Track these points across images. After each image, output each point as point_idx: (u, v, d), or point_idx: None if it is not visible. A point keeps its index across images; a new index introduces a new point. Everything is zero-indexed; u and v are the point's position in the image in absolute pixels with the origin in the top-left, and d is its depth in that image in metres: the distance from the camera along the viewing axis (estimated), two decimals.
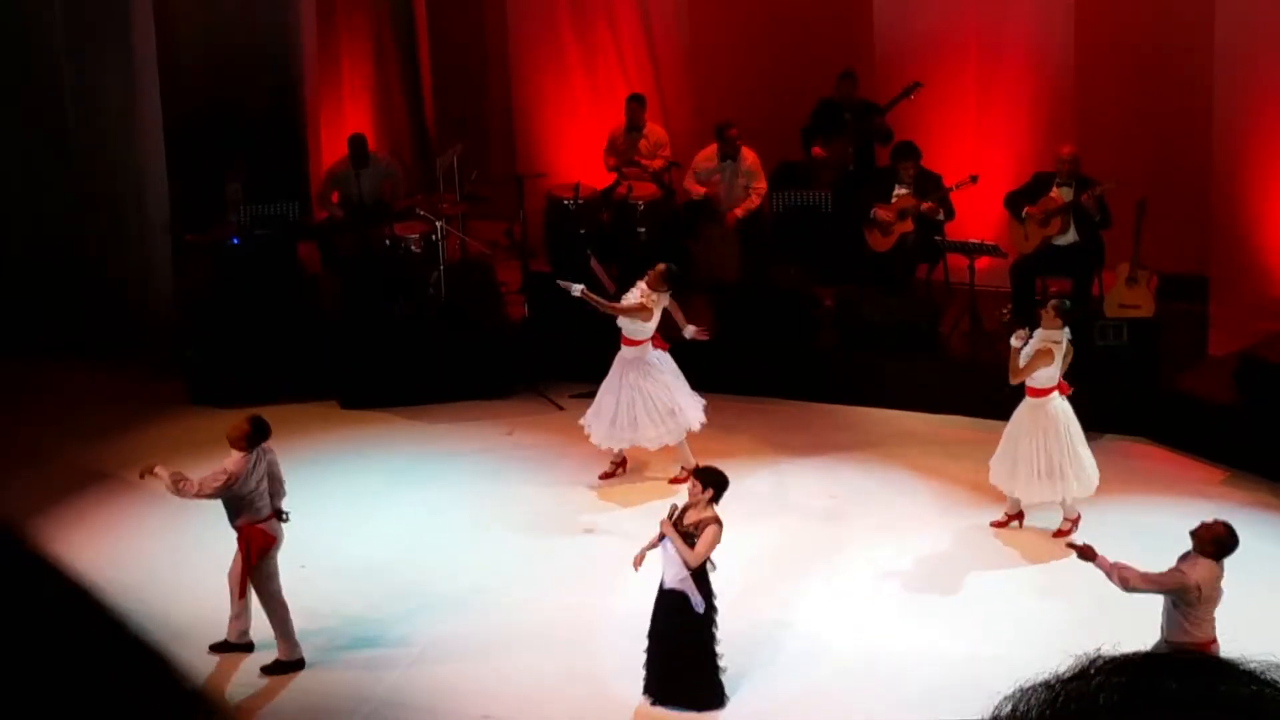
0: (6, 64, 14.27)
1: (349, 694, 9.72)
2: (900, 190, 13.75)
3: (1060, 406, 10.96)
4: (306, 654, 9.91)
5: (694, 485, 9.19)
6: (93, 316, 14.30)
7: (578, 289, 11.74)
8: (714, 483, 9.20)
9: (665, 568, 9.12)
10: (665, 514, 9.20)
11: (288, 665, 9.84)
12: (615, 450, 12.08)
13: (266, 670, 9.82)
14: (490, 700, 9.58)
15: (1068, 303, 11.19)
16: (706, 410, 11.96)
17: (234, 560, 9.84)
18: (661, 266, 11.81)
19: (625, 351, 11.87)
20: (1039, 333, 10.88)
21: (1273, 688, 1.48)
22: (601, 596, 10.33)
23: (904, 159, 13.72)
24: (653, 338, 11.87)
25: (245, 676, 9.87)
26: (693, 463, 11.84)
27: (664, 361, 11.93)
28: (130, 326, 14.28)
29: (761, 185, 14.50)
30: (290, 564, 10.01)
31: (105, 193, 14.37)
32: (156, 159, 14.28)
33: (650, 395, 11.76)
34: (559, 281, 12.09)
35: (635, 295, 11.77)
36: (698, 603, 9.06)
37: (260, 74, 15.19)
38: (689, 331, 12.06)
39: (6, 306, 14.39)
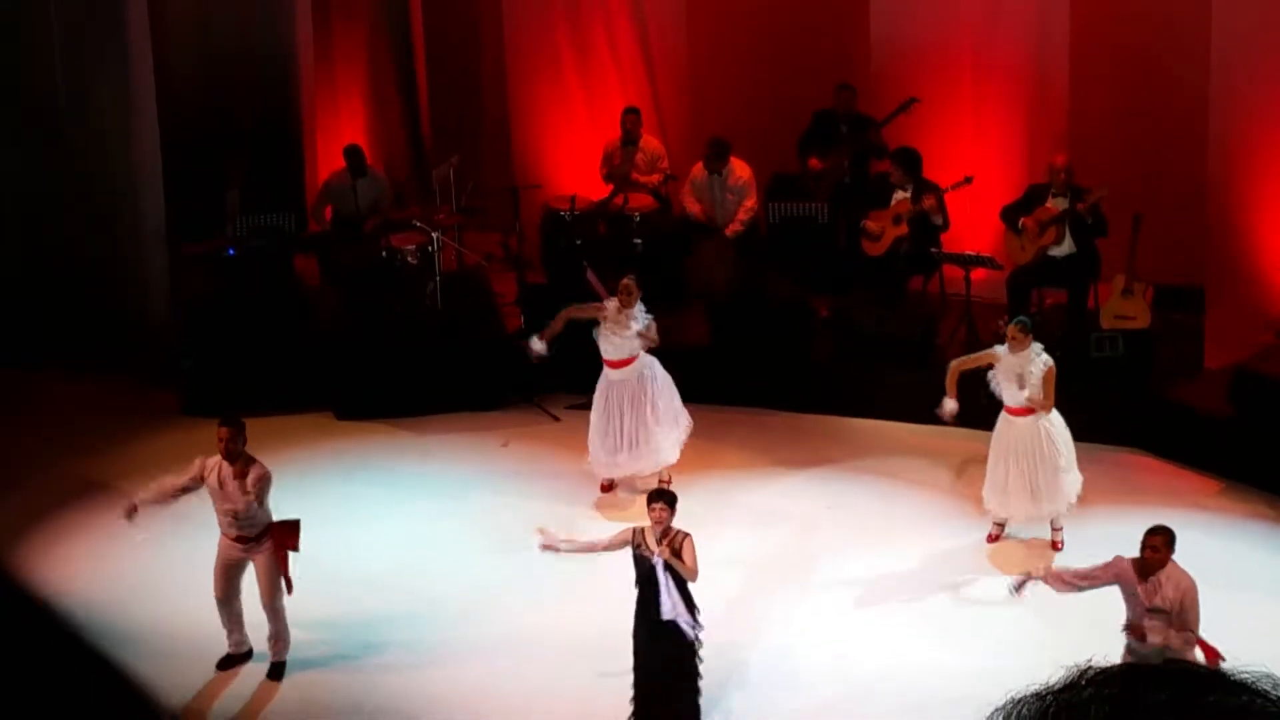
0: (1, 74, 14.27)
1: (346, 701, 9.74)
2: (899, 195, 13.73)
3: (1030, 424, 10.93)
4: (305, 662, 10.02)
5: (664, 511, 8.93)
6: (87, 326, 14.28)
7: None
8: (674, 502, 9.04)
9: (663, 599, 8.82)
10: (648, 544, 8.93)
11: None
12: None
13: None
14: (484, 709, 9.59)
15: (1013, 320, 11.19)
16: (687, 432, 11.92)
17: (260, 572, 9.83)
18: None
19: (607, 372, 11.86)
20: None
21: (1263, 698, 1.48)
22: (596, 607, 10.30)
23: (903, 163, 13.71)
24: (625, 359, 11.76)
25: (242, 682, 9.90)
26: (668, 474, 11.85)
27: (646, 381, 11.81)
28: (125, 336, 14.26)
29: (750, 203, 14.45)
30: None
31: (101, 202, 14.36)
32: (153, 169, 14.27)
33: (635, 415, 11.70)
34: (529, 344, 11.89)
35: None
36: (693, 631, 8.96)
37: (257, 85, 15.20)
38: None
39: (1, 316, 14.37)
